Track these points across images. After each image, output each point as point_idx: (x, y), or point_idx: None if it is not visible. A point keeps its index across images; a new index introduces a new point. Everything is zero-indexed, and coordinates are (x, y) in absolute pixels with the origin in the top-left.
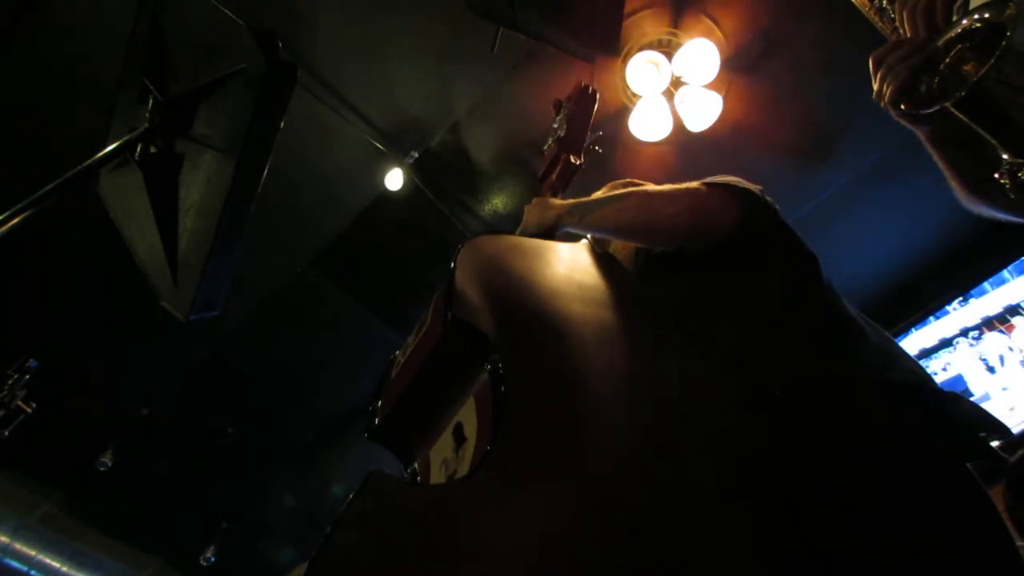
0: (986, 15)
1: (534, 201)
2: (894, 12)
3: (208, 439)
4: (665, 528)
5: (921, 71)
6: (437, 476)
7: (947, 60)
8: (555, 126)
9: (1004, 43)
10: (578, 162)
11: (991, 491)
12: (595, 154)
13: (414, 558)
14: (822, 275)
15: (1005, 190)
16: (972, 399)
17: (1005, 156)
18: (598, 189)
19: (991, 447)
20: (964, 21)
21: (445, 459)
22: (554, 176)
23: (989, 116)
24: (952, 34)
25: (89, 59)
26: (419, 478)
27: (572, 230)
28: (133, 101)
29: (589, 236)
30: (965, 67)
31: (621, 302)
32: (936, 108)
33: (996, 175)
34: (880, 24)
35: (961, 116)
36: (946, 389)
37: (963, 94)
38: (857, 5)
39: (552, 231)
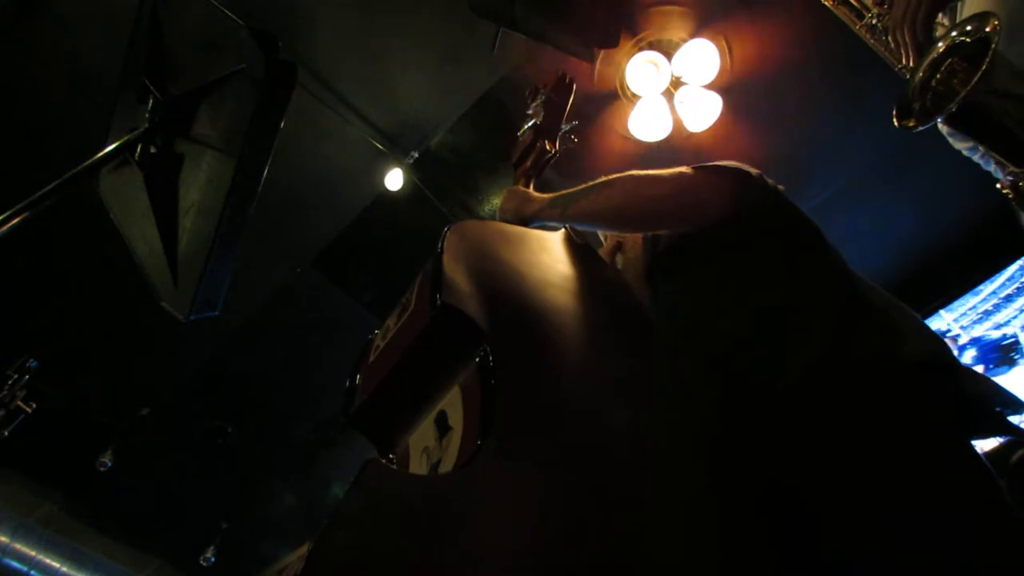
0: (968, 28)
1: (509, 191)
2: (882, 26)
3: (208, 439)
4: (660, 528)
5: (921, 89)
6: (417, 465)
7: (938, 76)
8: (530, 112)
9: (989, 57)
10: (553, 150)
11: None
12: (575, 142)
13: (409, 551)
14: (827, 248)
15: (1008, 201)
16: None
17: (1009, 168)
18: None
19: (1009, 423)
20: (953, 33)
21: (426, 448)
22: (528, 163)
23: (983, 127)
24: (940, 50)
25: (89, 58)
26: (396, 465)
27: (554, 223)
28: (133, 101)
29: (568, 226)
30: (954, 81)
31: (607, 295)
32: (930, 124)
33: (998, 186)
34: (872, 42)
35: (958, 129)
36: (967, 364)
37: (953, 108)
38: (848, 23)
39: (529, 224)
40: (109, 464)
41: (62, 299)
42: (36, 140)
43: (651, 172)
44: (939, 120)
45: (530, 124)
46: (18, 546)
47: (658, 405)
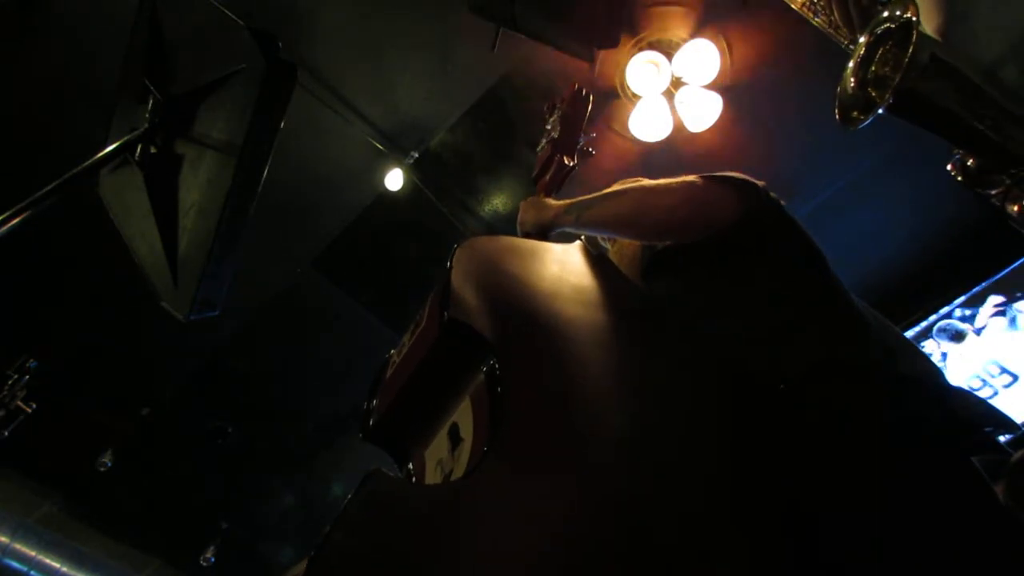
0: (884, 15)
1: (528, 201)
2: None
3: (208, 439)
4: (666, 528)
5: (860, 86)
6: (432, 477)
7: (873, 68)
8: (548, 127)
9: (913, 41)
10: (571, 163)
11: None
12: (593, 155)
13: (414, 558)
14: (828, 269)
15: (958, 182)
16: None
17: (958, 152)
18: (597, 190)
19: (996, 442)
20: (883, 15)
21: (440, 460)
22: (548, 177)
23: (924, 112)
24: (865, 45)
25: (89, 59)
26: (414, 478)
27: (570, 229)
28: (133, 101)
29: (583, 237)
30: (887, 69)
31: (618, 303)
32: (872, 117)
33: (949, 167)
34: (817, 21)
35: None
36: (954, 384)
37: (890, 99)
38: (794, 8)
39: (548, 231)
40: (109, 464)
41: (62, 299)
42: (36, 139)
43: (661, 182)
44: (880, 111)
45: (548, 139)
46: (18, 546)
47: (671, 411)
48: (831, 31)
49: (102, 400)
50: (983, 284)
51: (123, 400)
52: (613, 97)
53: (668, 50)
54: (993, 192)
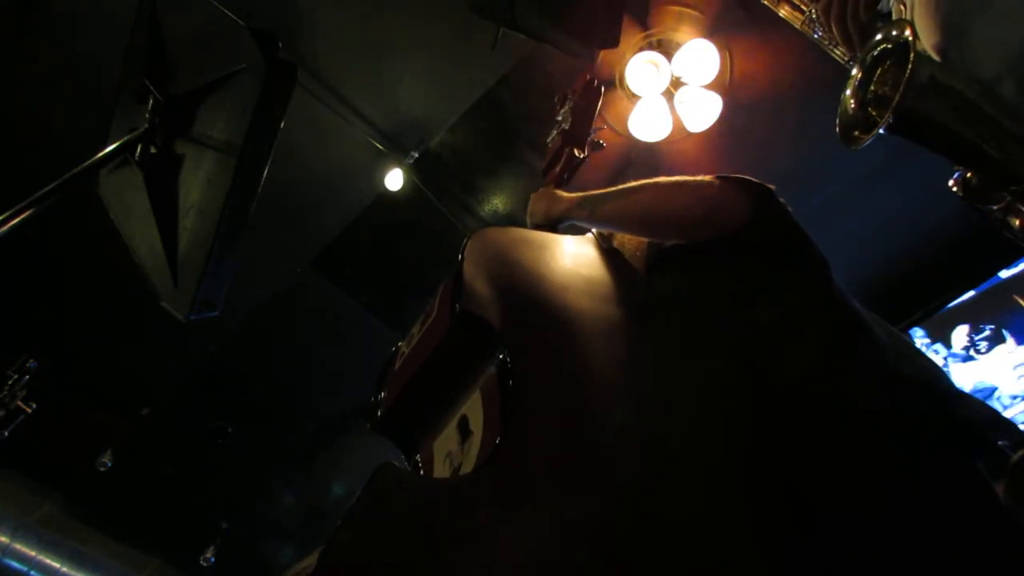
0: (879, 37)
1: (539, 192)
2: (819, 19)
3: (208, 439)
4: (671, 525)
5: (860, 107)
6: (441, 469)
7: (872, 88)
8: (559, 119)
9: (911, 63)
10: (582, 155)
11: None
12: (596, 154)
13: (424, 553)
14: (831, 275)
15: (960, 198)
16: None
17: (964, 171)
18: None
19: (998, 446)
20: (878, 36)
21: (449, 452)
22: (558, 169)
23: (925, 131)
24: (861, 71)
25: (89, 59)
26: (422, 471)
27: (581, 224)
28: (133, 101)
29: (595, 230)
30: (886, 89)
31: (628, 297)
32: (873, 136)
33: (951, 183)
34: (816, 36)
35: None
36: (960, 388)
37: (891, 119)
38: (790, 21)
39: (558, 224)
40: (109, 464)
41: (62, 299)
42: (36, 139)
43: (676, 180)
44: (881, 131)
45: (558, 130)
46: (18, 546)
47: (679, 407)
48: (831, 47)
49: (102, 400)
50: (984, 285)
51: (123, 400)
52: (613, 97)
53: (668, 50)
54: (994, 207)
